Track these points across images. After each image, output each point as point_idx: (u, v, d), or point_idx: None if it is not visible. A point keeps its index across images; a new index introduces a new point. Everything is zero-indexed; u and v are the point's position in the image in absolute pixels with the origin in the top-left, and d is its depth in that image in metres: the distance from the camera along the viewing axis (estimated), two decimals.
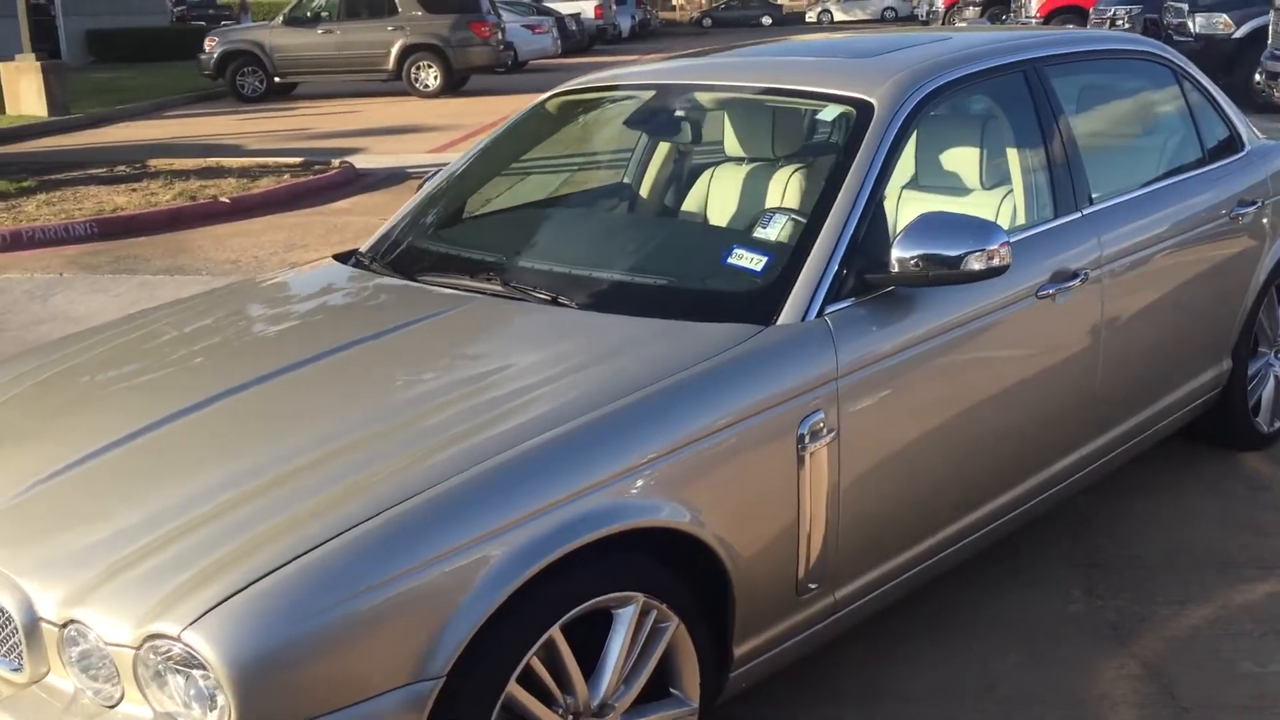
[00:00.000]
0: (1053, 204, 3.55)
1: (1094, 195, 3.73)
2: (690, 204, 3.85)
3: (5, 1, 20.63)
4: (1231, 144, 4.34)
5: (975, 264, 2.89)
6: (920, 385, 3.00)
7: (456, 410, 2.48)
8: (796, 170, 3.46)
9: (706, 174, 3.92)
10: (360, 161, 12.66)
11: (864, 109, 3.22)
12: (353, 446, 2.38)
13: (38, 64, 18.05)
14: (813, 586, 2.83)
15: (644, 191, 4.22)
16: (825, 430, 2.74)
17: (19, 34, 18.37)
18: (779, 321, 2.80)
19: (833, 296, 2.88)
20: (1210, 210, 4.02)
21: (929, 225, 2.92)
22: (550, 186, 3.77)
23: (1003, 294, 3.20)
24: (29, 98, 18.13)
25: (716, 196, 3.78)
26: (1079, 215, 3.56)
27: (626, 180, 4.23)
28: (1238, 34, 13.46)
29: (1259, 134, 4.56)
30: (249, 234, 9.47)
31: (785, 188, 3.39)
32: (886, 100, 3.22)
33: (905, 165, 3.99)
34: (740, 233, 3.11)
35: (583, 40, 30.42)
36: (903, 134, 3.19)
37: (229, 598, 2.04)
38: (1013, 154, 3.63)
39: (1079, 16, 23.01)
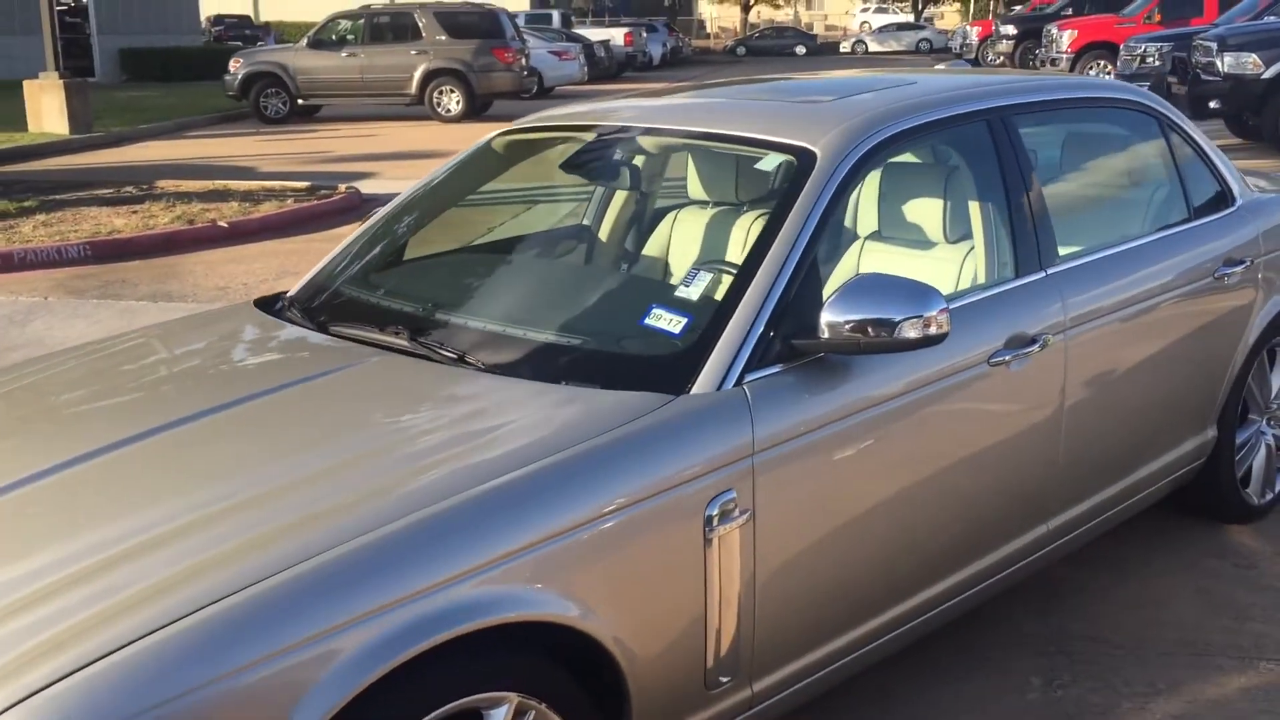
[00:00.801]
0: (1014, 263, 3.32)
1: (1061, 254, 3.51)
2: (626, 256, 3.65)
3: (34, 19, 20.72)
4: (1221, 199, 4.09)
5: (910, 331, 2.67)
6: (851, 461, 2.77)
7: (313, 489, 2.27)
8: (731, 223, 3.25)
9: (653, 222, 3.72)
10: (369, 186, 12.55)
11: (805, 158, 3.01)
12: (191, 527, 2.18)
13: (60, 82, 18.10)
14: (725, 680, 2.60)
15: (603, 235, 4.03)
16: (738, 511, 2.52)
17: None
18: (693, 390, 2.59)
19: (755, 363, 2.66)
20: (1192, 270, 3.77)
21: (863, 288, 2.70)
22: (487, 231, 3.57)
23: (949, 361, 2.97)
24: (51, 116, 18.17)
25: (653, 248, 3.58)
26: (1042, 275, 3.33)
27: (587, 222, 4.03)
28: (1267, 74, 13.12)
29: (1255, 187, 4.32)
30: (243, 260, 9.35)
31: (717, 242, 3.17)
32: (830, 150, 3.01)
33: (868, 216, 3.78)
34: (663, 291, 2.89)
35: (611, 67, 30.34)
36: (846, 186, 2.98)
37: (29, 696, 1.84)
38: (975, 208, 3.41)
39: (1110, 52, 22.75)
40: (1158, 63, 16.32)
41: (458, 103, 20.24)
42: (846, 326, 2.66)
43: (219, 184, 12.40)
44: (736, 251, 3.22)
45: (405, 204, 3.70)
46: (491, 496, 2.23)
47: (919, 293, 2.69)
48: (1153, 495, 3.89)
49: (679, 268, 3.48)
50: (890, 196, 3.67)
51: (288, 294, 3.48)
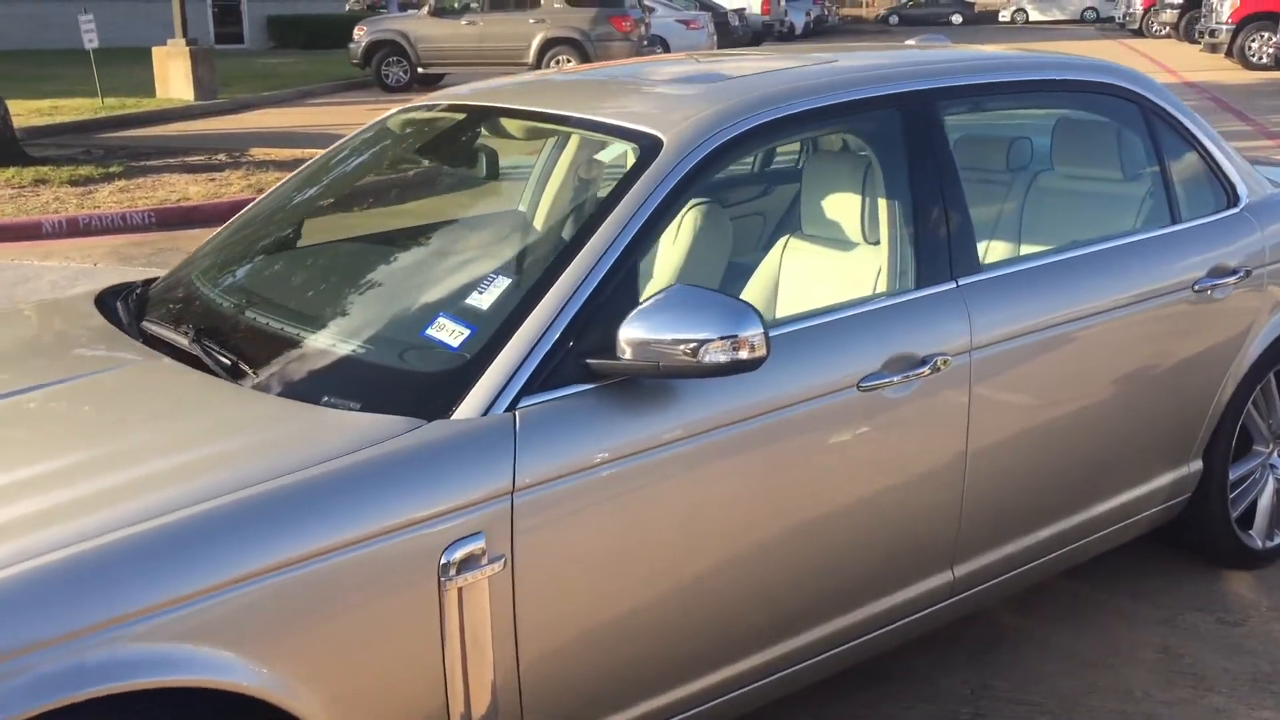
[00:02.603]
0: (915, 271, 2.87)
1: (990, 262, 3.05)
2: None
3: None
4: (1219, 199, 3.54)
5: (717, 355, 2.28)
6: (661, 503, 2.39)
7: None
8: (556, 220, 2.86)
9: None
10: None
11: (650, 147, 2.63)
12: None
13: (187, 49, 18.45)
14: None
15: (536, 222, 3.69)
16: (485, 558, 2.18)
17: (201, 18, 18.74)
18: (455, 415, 2.25)
19: (540, 385, 2.31)
20: (1160, 282, 3.25)
21: (669, 303, 2.32)
22: (359, 222, 3.26)
23: (800, 385, 2.57)
24: (178, 82, 18.54)
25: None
26: (951, 287, 2.88)
27: (522, 208, 3.70)
28: None
29: (1274, 183, 3.74)
30: None
31: (537, 241, 2.79)
32: (681, 138, 2.62)
33: (792, 210, 3.38)
34: (456, 297, 2.55)
35: (746, 36, 29.64)
36: (692, 181, 2.59)
37: None
38: (882, 206, 2.97)
39: (1274, 22, 21.30)
40: None
41: None
42: (646, 346, 2.29)
43: (306, 152, 12.40)
44: (535, 255, 2.84)
45: (292, 185, 3.43)
46: (150, 536, 1.94)
47: (733, 311, 2.30)
48: (1115, 536, 3.39)
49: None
50: (811, 190, 3.25)
51: (140, 284, 3.25)
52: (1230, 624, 3.49)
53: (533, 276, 2.45)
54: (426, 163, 3.36)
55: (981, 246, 3.22)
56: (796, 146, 3.98)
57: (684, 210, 3.43)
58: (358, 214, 3.19)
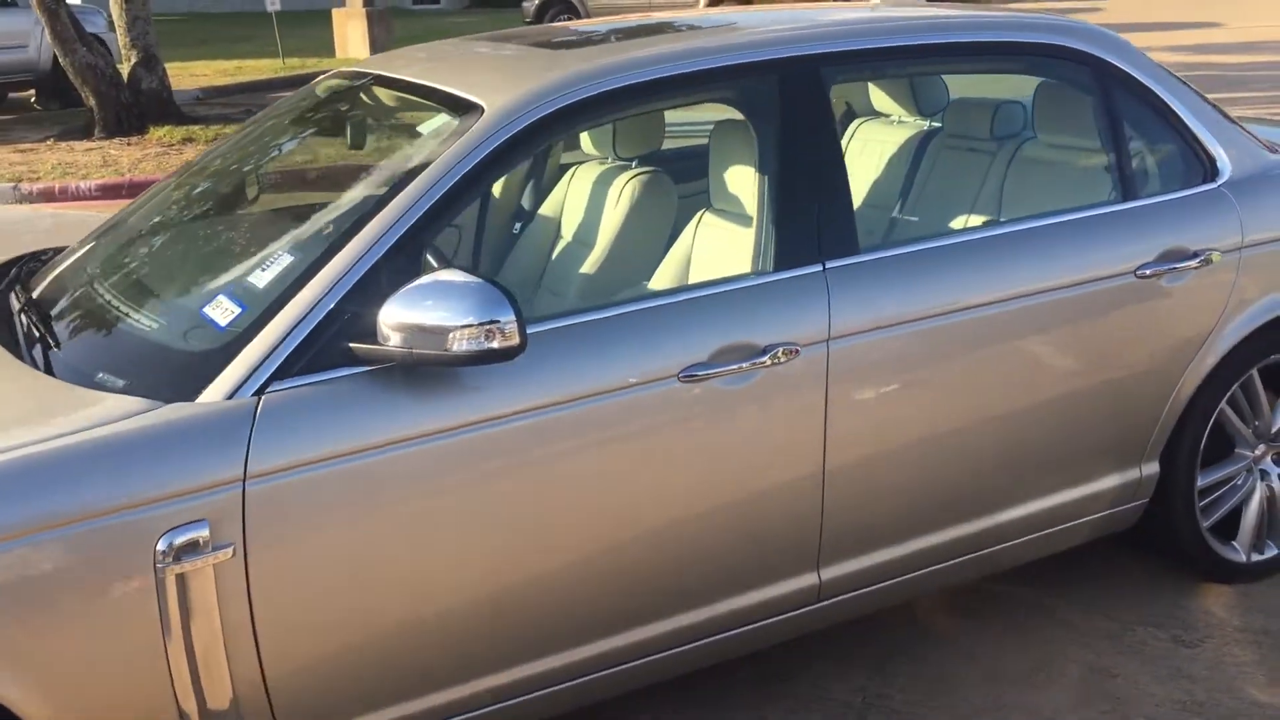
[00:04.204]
0: (776, 252, 2.67)
1: (876, 243, 2.82)
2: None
3: None
4: (1194, 173, 3.17)
5: (464, 343, 2.17)
6: (424, 498, 2.29)
7: None
8: (362, 194, 2.72)
9: None
10: None
11: (469, 116, 2.52)
12: None
13: (363, 10, 18.97)
14: None
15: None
16: (210, 546, 2.13)
17: None
18: (202, 398, 2.20)
19: (297, 369, 2.23)
20: (1097, 266, 2.93)
21: (426, 287, 2.22)
22: (200, 201, 3.17)
23: (608, 377, 2.42)
24: (355, 42, 19.09)
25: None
26: (816, 270, 2.66)
27: None
28: None
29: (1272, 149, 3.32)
30: None
31: (338, 216, 2.67)
32: (505, 107, 2.51)
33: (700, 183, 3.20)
34: (244, 275, 2.48)
35: None
36: (504, 156, 2.47)
37: None
38: (754, 182, 2.78)
39: None
40: None
41: None
42: (401, 331, 2.19)
43: None
44: (331, 231, 2.72)
45: (201, 160, 3.40)
46: None
47: (486, 297, 2.18)
48: (1046, 542, 3.10)
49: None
50: (714, 162, 3.07)
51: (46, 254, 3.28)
52: (1185, 644, 3.16)
53: (313, 254, 2.37)
54: (308, 133, 3.31)
55: (885, 225, 2.99)
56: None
57: (627, 178, 3.29)
58: (226, 190, 3.15)
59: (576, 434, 2.40)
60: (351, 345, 2.25)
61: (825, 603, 2.81)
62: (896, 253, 2.77)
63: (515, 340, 2.18)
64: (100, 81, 11.21)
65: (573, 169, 3.68)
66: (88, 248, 3.00)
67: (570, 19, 20.67)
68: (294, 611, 2.23)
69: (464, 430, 2.30)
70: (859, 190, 3.75)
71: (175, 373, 2.26)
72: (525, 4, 21.17)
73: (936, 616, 3.32)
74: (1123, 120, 3.10)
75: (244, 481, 2.15)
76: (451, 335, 2.16)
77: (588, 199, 3.49)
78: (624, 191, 3.32)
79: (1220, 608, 3.33)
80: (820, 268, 2.66)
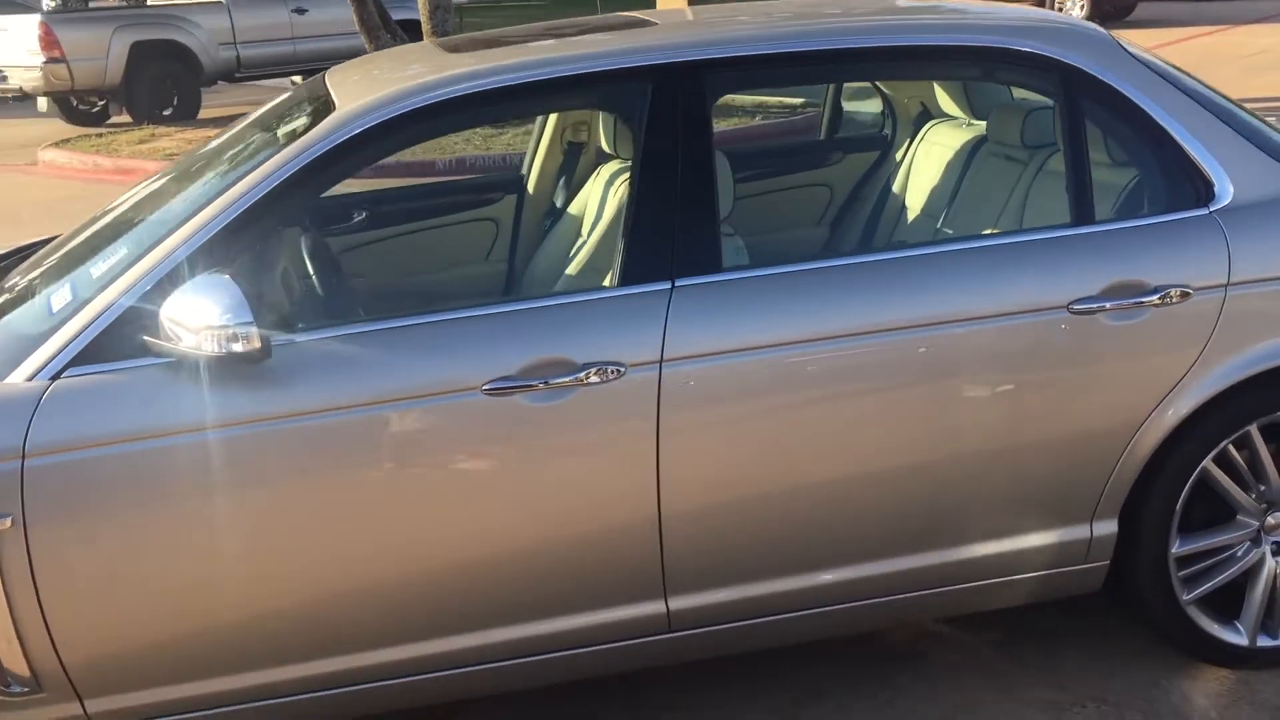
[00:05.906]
0: (621, 267, 2.58)
1: (744, 263, 2.66)
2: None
3: None
4: (1182, 196, 2.76)
5: (209, 343, 2.26)
6: (203, 490, 2.40)
7: None
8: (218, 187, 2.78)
9: None
10: None
11: (322, 114, 2.60)
12: None
13: None
14: (17, 689, 2.42)
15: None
16: None
17: None
18: (10, 378, 2.39)
19: (98, 356, 2.38)
20: (1014, 298, 2.62)
21: (198, 285, 2.32)
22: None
23: (406, 384, 2.43)
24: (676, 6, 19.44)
25: None
26: (659, 288, 2.54)
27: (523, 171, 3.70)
28: None
29: None
30: None
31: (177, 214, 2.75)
32: (349, 110, 2.56)
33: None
34: (90, 266, 2.65)
35: None
36: (343, 156, 2.53)
37: None
38: (617, 193, 2.68)
39: None
40: None
41: (1081, 7, 18.71)
42: (172, 327, 2.30)
43: None
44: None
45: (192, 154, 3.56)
46: None
47: (230, 303, 2.27)
48: (968, 598, 2.82)
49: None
50: (599, 172, 3.01)
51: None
52: None
53: (138, 250, 2.51)
54: (253, 137, 3.42)
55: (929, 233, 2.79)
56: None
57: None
58: (158, 191, 3.28)
59: (365, 441, 2.42)
60: (145, 337, 2.37)
61: (677, 634, 2.69)
62: (764, 273, 2.60)
63: (256, 345, 2.25)
64: None
65: (598, 168, 3.65)
66: (59, 241, 3.28)
67: None
68: (79, 583, 2.38)
69: (246, 425, 2.38)
70: (914, 194, 3.51)
71: (9, 353, 2.46)
72: None
73: (867, 666, 3.08)
74: (1084, 134, 2.74)
75: (23, 458, 2.31)
76: (200, 335, 2.25)
77: (581, 197, 3.45)
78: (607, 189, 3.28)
79: (1205, 695, 2.91)
80: (668, 285, 2.54)
